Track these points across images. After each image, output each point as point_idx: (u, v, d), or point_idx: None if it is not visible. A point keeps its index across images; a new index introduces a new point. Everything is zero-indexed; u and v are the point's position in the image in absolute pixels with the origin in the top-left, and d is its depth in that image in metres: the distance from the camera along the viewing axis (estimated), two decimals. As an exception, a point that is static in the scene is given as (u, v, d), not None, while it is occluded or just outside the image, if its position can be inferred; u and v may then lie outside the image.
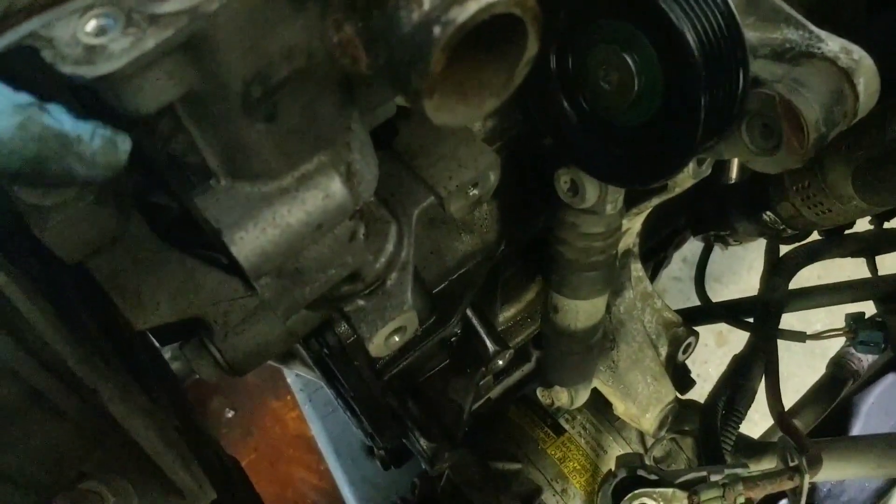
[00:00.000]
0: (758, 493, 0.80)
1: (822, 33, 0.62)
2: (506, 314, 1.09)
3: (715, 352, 2.16)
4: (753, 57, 0.63)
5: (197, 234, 0.62)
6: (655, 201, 0.84)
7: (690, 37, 0.56)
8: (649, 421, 1.03)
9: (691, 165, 0.78)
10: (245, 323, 0.71)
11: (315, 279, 0.59)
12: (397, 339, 0.67)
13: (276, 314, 0.63)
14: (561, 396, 0.97)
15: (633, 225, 0.94)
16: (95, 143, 0.42)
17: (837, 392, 1.26)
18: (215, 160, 0.51)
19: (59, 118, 0.40)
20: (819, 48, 0.61)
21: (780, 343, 1.09)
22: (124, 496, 0.68)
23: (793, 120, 0.60)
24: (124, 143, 0.44)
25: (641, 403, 1.01)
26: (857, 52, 0.63)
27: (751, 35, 0.62)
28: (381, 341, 0.66)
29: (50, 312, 0.61)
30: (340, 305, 0.66)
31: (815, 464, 0.83)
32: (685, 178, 0.79)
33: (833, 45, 0.62)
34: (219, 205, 0.52)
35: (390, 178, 0.70)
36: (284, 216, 0.52)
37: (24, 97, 0.39)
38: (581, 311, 0.88)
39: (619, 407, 1.04)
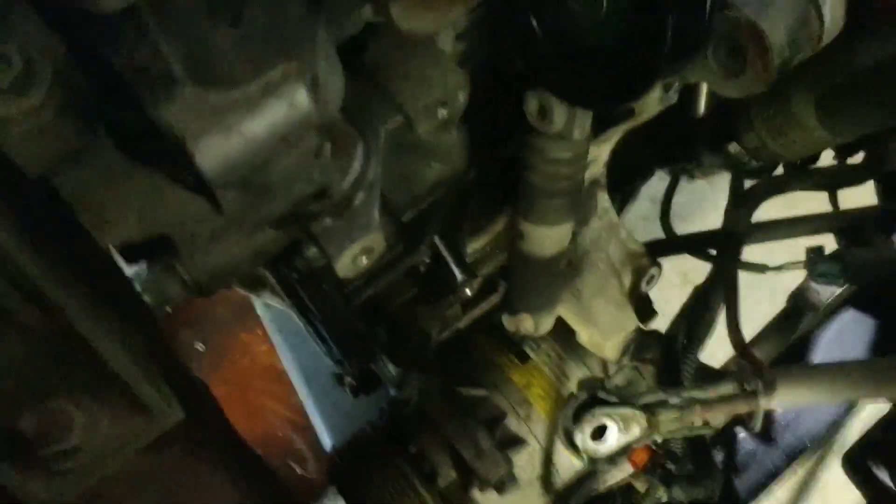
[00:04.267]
0: (714, 415, 0.83)
1: None
2: (474, 245, 1.09)
3: (678, 289, 2.20)
4: None
5: (164, 150, 0.62)
6: (623, 127, 0.84)
7: None
8: (611, 348, 1.05)
9: (658, 91, 0.78)
10: (212, 242, 0.71)
11: (281, 194, 0.59)
12: (365, 259, 0.68)
13: (242, 229, 0.63)
14: (526, 323, 0.99)
15: (601, 153, 0.95)
16: None
17: (796, 324, 1.30)
18: (180, 66, 0.50)
19: None
20: None
21: (744, 280, 1.11)
22: (92, 413, 0.69)
23: (758, 43, 0.60)
24: None
25: (604, 331, 1.03)
26: None
27: None
28: (349, 261, 0.67)
29: (15, 228, 0.60)
30: (307, 224, 0.66)
31: (770, 388, 0.85)
32: (652, 105, 0.80)
33: None
34: (183, 113, 0.51)
35: (358, 95, 0.70)
36: (249, 125, 0.51)
37: None
38: (547, 238, 0.89)
39: (583, 334, 1.06)
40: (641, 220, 2.38)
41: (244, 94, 0.51)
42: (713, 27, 0.61)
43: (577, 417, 0.86)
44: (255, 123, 0.51)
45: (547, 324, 1.01)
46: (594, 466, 0.91)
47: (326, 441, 1.85)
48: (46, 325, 0.66)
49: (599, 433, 0.85)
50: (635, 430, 0.84)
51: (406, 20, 0.45)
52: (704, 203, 2.27)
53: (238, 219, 0.60)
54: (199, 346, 2.06)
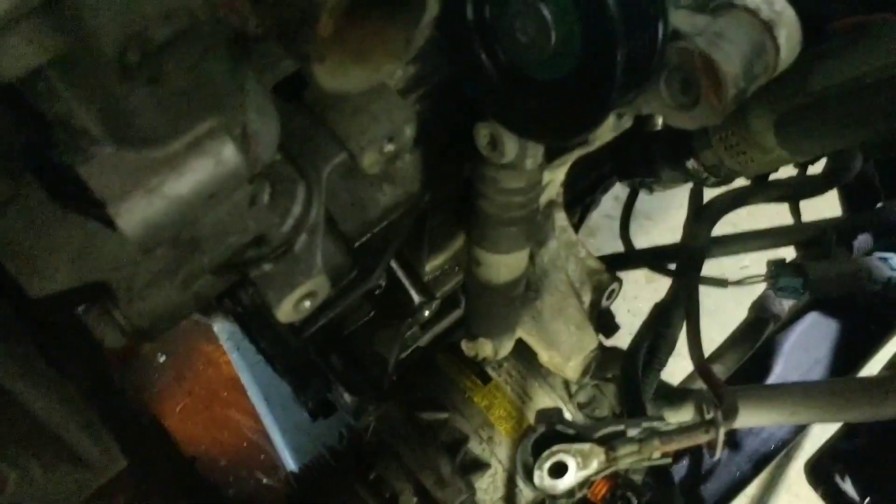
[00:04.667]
0: (673, 447, 0.82)
1: None
2: (434, 262, 1.07)
3: (645, 287, 2.20)
4: (674, 7, 0.61)
5: (93, 195, 0.59)
6: (576, 154, 0.82)
7: None
8: (572, 369, 1.04)
9: (611, 119, 0.76)
10: (150, 287, 0.68)
11: (214, 247, 0.56)
12: (307, 304, 0.65)
13: (177, 281, 0.60)
14: (485, 348, 0.97)
15: (556, 176, 0.93)
16: None
17: (759, 335, 1.30)
18: (97, 126, 0.47)
19: None
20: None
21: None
22: (26, 470, 0.66)
23: (711, 75, 0.59)
24: None
25: (565, 352, 1.01)
26: (780, 3, 0.62)
27: None
28: (290, 308, 0.64)
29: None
30: (246, 271, 0.63)
31: (730, 415, 0.84)
32: (605, 132, 0.78)
33: None
34: (104, 173, 0.48)
35: (299, 133, 0.67)
36: (174, 185, 0.49)
37: None
38: (503, 265, 0.87)
39: (544, 356, 1.04)
40: (605, 218, 2.38)
41: (167, 153, 0.48)
42: (663, 59, 0.60)
43: (537, 450, 0.84)
44: (181, 183, 0.49)
45: (506, 348, 0.99)
46: (553, 502, 0.90)
47: (288, 461, 1.82)
48: (-26, 383, 0.63)
49: (558, 470, 0.84)
50: (594, 465, 0.82)
51: (332, 81, 0.42)
52: (669, 200, 2.26)
53: (171, 270, 0.57)
54: (161, 358, 2.02)
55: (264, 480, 2.01)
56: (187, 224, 0.52)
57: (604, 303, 1.10)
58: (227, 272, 0.62)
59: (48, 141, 0.60)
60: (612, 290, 1.09)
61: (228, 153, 0.49)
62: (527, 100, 0.65)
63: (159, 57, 0.44)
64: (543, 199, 0.94)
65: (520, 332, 1.02)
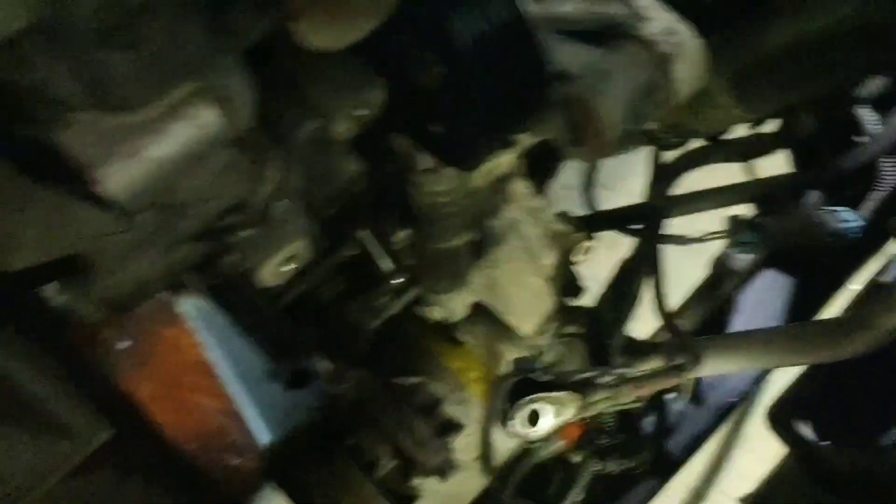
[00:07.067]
0: (644, 392, 0.85)
1: (651, 9, 0.59)
2: (402, 233, 1.08)
3: (606, 255, 2.24)
4: (566, 44, 0.60)
5: (65, 167, 0.58)
6: (504, 157, 0.84)
7: (460, 40, 0.53)
8: (528, 331, 1.06)
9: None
10: (125, 259, 0.68)
11: (195, 212, 0.57)
12: (289, 267, 0.66)
13: (156, 247, 0.60)
14: (437, 314, 1.00)
15: (501, 163, 0.94)
16: None
17: (719, 290, 1.34)
18: (75, 92, 0.47)
19: None
20: (639, 29, 0.59)
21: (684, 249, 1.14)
22: (10, 442, 0.66)
23: (590, 120, 0.58)
24: None
25: (520, 315, 1.04)
26: (682, 34, 0.60)
27: (577, 7, 0.60)
28: (273, 270, 0.65)
29: None
30: (226, 236, 0.64)
31: (696, 361, 0.88)
32: (527, 139, 0.79)
33: (656, 25, 0.59)
34: (82, 140, 0.49)
35: (272, 101, 0.67)
36: (155, 148, 0.49)
37: None
38: (440, 252, 0.88)
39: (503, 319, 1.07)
40: (565, 189, 2.42)
41: (147, 117, 0.49)
42: (542, 98, 0.59)
43: (512, 398, 0.87)
44: (162, 147, 0.49)
45: (459, 311, 1.02)
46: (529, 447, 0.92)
47: (262, 436, 1.82)
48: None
49: (533, 418, 0.87)
50: (568, 412, 0.85)
51: (312, 37, 0.43)
52: (626, 169, 2.30)
53: (151, 238, 0.58)
54: (123, 344, 1.99)
55: (234, 461, 2.01)
56: (169, 189, 0.53)
57: (579, 258, 1.11)
58: (208, 238, 0.63)
59: (16, 114, 0.60)
60: (588, 248, 1.10)
61: (208, 116, 0.50)
62: (427, 122, 0.65)
63: (136, 21, 0.44)
64: (494, 175, 0.96)
65: (477, 298, 1.04)
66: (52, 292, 1.05)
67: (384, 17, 0.46)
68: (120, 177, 0.49)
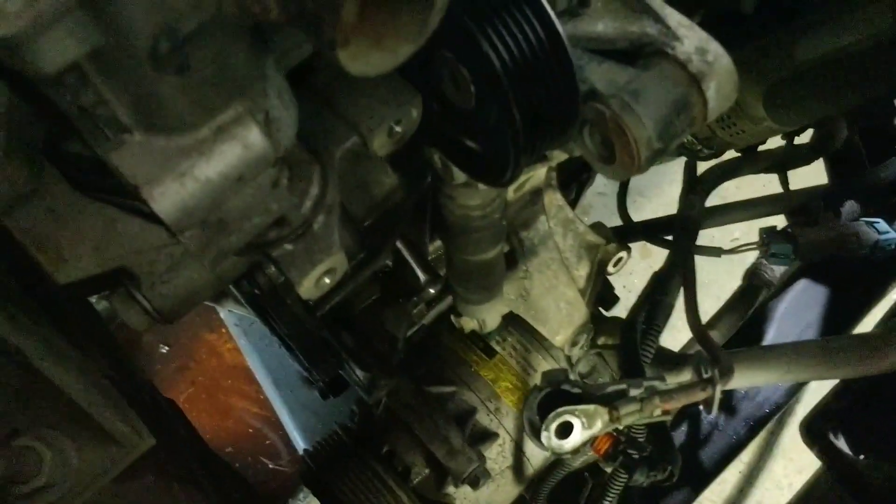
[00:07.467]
0: (673, 406, 0.85)
1: (682, 28, 0.59)
2: (436, 243, 1.10)
3: (639, 263, 2.24)
4: (598, 63, 0.61)
5: (116, 183, 0.61)
6: (537, 170, 0.85)
7: (497, 61, 0.54)
8: (560, 342, 1.07)
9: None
10: (172, 271, 0.71)
11: (240, 228, 0.59)
12: (328, 280, 0.68)
13: (203, 264, 0.63)
14: (470, 324, 1.01)
15: (534, 175, 0.95)
16: None
17: (752, 301, 1.33)
18: (127, 115, 0.50)
19: None
20: (672, 47, 0.59)
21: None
22: (61, 450, 0.69)
23: (622, 138, 0.58)
24: None
25: (553, 327, 1.05)
26: (713, 53, 0.59)
27: (610, 26, 0.60)
28: (312, 284, 0.67)
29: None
30: (268, 251, 0.66)
31: (727, 374, 0.88)
32: (559, 154, 0.80)
33: (689, 44, 0.59)
34: (135, 160, 0.51)
35: (311, 118, 0.69)
36: (204, 168, 0.51)
37: None
38: (472, 263, 0.89)
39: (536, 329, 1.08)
40: (599, 195, 2.42)
41: (196, 138, 0.51)
42: (577, 115, 0.59)
43: (543, 410, 0.88)
44: (210, 167, 0.51)
45: (492, 323, 1.03)
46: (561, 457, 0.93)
47: (299, 441, 1.86)
48: (8, 368, 0.66)
49: (564, 430, 0.87)
50: (598, 425, 0.86)
51: (355, 65, 0.44)
52: (661, 177, 2.30)
53: (198, 254, 0.60)
54: (163, 349, 2.04)
55: (270, 465, 2.04)
56: (216, 206, 0.55)
57: (611, 270, 1.12)
58: (251, 252, 0.65)
59: (70, 132, 0.63)
60: (620, 258, 1.11)
61: (254, 137, 0.52)
62: (462, 139, 0.66)
63: (187, 47, 0.46)
64: (531, 187, 0.97)
65: (510, 308, 1.05)
66: (96, 299, 1.08)
67: (424, 41, 0.47)
68: (170, 195, 0.51)
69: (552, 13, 0.55)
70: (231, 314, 1.90)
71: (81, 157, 0.66)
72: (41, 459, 0.68)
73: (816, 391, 1.52)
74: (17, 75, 0.45)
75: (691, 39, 0.60)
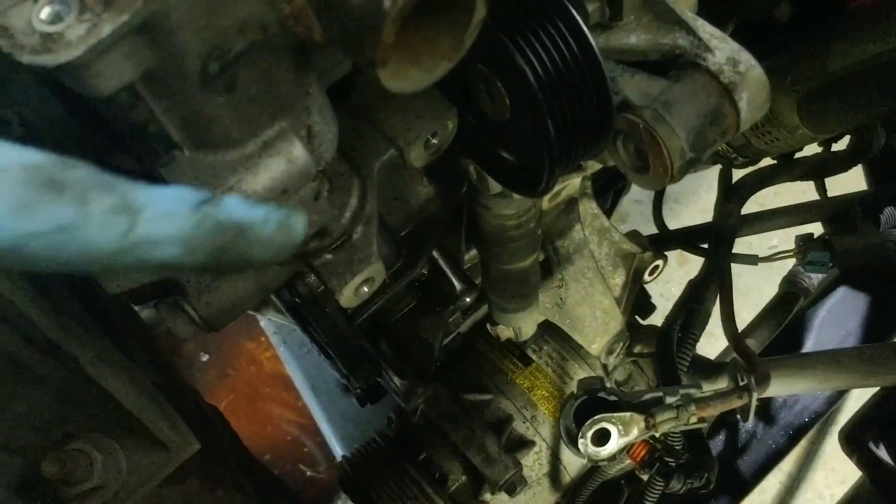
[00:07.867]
0: (709, 413, 0.85)
1: (714, 39, 0.60)
2: (472, 252, 1.12)
3: (676, 271, 2.23)
4: (631, 75, 0.62)
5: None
6: (572, 180, 0.86)
7: (531, 75, 0.54)
8: (596, 350, 1.08)
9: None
10: (217, 280, 0.73)
11: (283, 240, 0.61)
12: (366, 289, 0.70)
13: (247, 273, 0.65)
14: (506, 333, 1.02)
15: (569, 184, 0.96)
16: (269, 227, 0.42)
17: (790, 309, 1.32)
18: (178, 132, 0.52)
19: (233, 209, 0.40)
20: (705, 58, 0.59)
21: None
22: (111, 453, 0.71)
23: (655, 148, 0.58)
24: (299, 223, 0.44)
25: (588, 335, 1.05)
26: (745, 63, 0.60)
27: (642, 38, 0.61)
28: (351, 293, 0.69)
29: (25, 285, 0.62)
30: (309, 260, 0.68)
31: (763, 382, 0.88)
32: (594, 164, 0.81)
33: (720, 55, 0.59)
34: (184, 176, 0.53)
35: (350, 132, 0.71)
36: (250, 183, 0.53)
37: (197, 195, 0.39)
38: (508, 272, 0.91)
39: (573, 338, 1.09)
40: (635, 203, 2.41)
41: (242, 154, 0.53)
42: (611, 126, 0.60)
43: (579, 417, 0.88)
44: (256, 181, 0.53)
45: (528, 332, 1.03)
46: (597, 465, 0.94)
47: (336, 448, 1.88)
48: (61, 374, 0.68)
49: (601, 438, 0.88)
50: (634, 432, 0.86)
51: (394, 82, 0.46)
52: (697, 184, 2.29)
53: (242, 264, 0.62)
54: (204, 357, 2.08)
55: (308, 472, 2.07)
56: (260, 218, 0.57)
57: (647, 278, 1.13)
58: (293, 263, 0.67)
59: (118, 146, 0.66)
60: (657, 267, 1.12)
61: (298, 152, 0.54)
62: (497, 150, 0.67)
63: (235, 67, 0.49)
64: (567, 195, 0.98)
65: (546, 317, 1.06)
66: (141, 308, 1.12)
67: (460, 58, 0.49)
68: (218, 209, 0.53)
69: (585, 27, 0.56)
70: (271, 322, 1.94)
71: (133, 172, 0.69)
72: (92, 462, 0.71)
73: (858, 399, 1.50)
74: (69, 91, 0.48)
75: (723, 50, 0.61)
